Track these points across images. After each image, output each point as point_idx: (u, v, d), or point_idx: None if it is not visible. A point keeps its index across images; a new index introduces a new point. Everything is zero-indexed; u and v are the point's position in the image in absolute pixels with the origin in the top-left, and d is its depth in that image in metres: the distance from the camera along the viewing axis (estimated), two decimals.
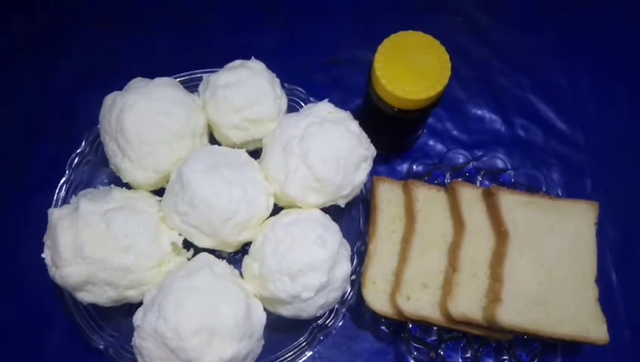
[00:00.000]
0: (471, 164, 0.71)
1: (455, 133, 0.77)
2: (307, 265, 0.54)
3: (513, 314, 0.57)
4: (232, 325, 0.51)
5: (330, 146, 0.58)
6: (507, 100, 0.80)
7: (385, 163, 0.75)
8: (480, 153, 0.72)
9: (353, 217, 0.67)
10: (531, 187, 0.69)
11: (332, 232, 0.58)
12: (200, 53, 0.80)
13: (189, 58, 0.77)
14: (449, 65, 0.60)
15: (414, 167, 0.71)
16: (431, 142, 0.76)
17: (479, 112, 0.79)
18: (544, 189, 0.69)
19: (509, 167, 0.71)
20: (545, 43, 0.84)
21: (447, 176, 0.70)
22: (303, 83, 0.71)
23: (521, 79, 0.81)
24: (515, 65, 0.82)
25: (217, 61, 0.67)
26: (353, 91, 0.77)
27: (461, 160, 0.71)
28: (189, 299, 0.51)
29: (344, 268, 0.58)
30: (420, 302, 0.60)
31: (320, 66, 0.80)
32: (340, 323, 0.62)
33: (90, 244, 0.53)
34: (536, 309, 0.58)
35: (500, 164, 0.72)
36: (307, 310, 0.56)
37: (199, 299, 0.51)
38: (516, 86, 0.81)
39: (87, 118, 0.70)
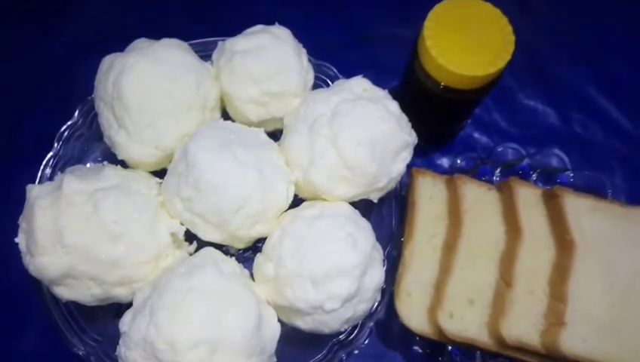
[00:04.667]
0: (525, 160, 0.61)
1: (503, 125, 0.68)
2: (334, 269, 0.45)
3: (578, 342, 0.48)
4: (239, 338, 0.42)
5: (366, 127, 0.49)
6: (563, 92, 0.71)
7: (423, 155, 0.66)
8: (532, 150, 0.62)
9: (384, 216, 0.58)
10: (593, 191, 0.59)
11: (364, 231, 0.48)
12: (216, 22, 0.71)
13: (203, 26, 0.68)
14: (512, 38, 0.51)
15: (458, 161, 0.61)
16: (476, 135, 0.67)
17: (531, 103, 0.70)
18: (609, 195, 0.59)
19: (568, 166, 0.61)
20: (606, 30, 0.74)
21: (497, 173, 0.61)
22: (332, 60, 0.63)
23: (579, 69, 0.72)
24: (572, 54, 0.73)
25: (235, 31, 0.58)
26: (389, 72, 0.67)
27: (512, 156, 0.62)
28: (189, 303, 0.42)
29: (377, 275, 0.48)
30: (465, 321, 0.50)
31: (351, 42, 0.71)
32: (366, 341, 0.53)
33: (72, 230, 0.45)
34: (606, 337, 0.49)
35: (555, 162, 0.62)
36: (330, 324, 0.47)
37: (201, 304, 0.42)
38: (574, 77, 0.72)
39: (83, 87, 0.61)
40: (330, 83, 0.62)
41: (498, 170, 0.61)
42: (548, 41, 0.73)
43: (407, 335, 0.54)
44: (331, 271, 0.45)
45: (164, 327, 0.41)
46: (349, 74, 0.60)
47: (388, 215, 0.58)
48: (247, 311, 0.43)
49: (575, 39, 0.73)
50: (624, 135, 0.69)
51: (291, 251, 0.46)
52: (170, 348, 0.40)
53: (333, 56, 0.64)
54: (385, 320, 0.55)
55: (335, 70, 0.63)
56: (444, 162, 0.66)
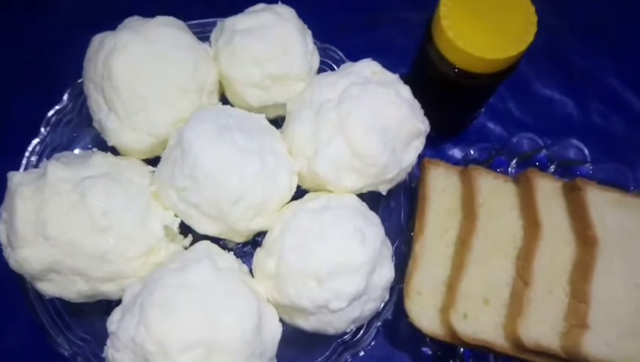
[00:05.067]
0: (542, 152, 0.57)
1: (518, 114, 0.65)
2: (340, 266, 0.41)
3: (601, 346, 0.45)
4: (237, 340, 0.38)
5: (376, 113, 0.45)
6: (582, 81, 0.68)
7: (433, 145, 0.62)
8: (549, 141, 0.58)
9: (392, 209, 0.54)
10: (614, 185, 0.55)
11: (373, 225, 0.45)
12: (214, 1, 0.67)
13: (201, 5, 0.64)
14: (535, 19, 0.48)
15: (471, 152, 0.57)
16: (489, 124, 0.64)
17: (548, 93, 0.67)
18: (632, 189, 0.55)
19: (588, 158, 0.58)
20: (630, 18, 0.70)
21: (513, 164, 0.57)
22: (338, 44, 0.60)
23: (600, 58, 0.69)
24: (593, 42, 0.69)
25: (235, 10, 0.54)
26: (397, 57, 0.63)
27: (528, 146, 0.58)
28: (181, 301, 0.38)
29: (386, 272, 0.45)
30: (480, 322, 0.47)
31: (358, 25, 0.68)
32: (372, 342, 0.49)
33: (56, 220, 0.41)
34: (632, 341, 0.45)
35: (572, 154, 0.59)
36: (335, 324, 0.43)
37: (195, 302, 0.39)
38: (594, 65, 0.68)
39: (73, 69, 0.57)
40: (336, 68, 0.58)
41: (514, 161, 0.57)
42: (567, 26, 0.69)
43: (416, 336, 0.51)
44: (337, 268, 0.41)
45: (154, 327, 0.37)
46: (355, 58, 0.57)
47: (396, 208, 0.54)
48: (245, 310, 0.40)
49: (597, 25, 0.70)
50: None
51: (294, 246, 0.43)
52: (160, 350, 0.37)
53: (339, 39, 0.61)
54: (392, 320, 0.51)
55: (341, 54, 0.59)
56: (456, 153, 0.62)
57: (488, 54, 0.46)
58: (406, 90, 0.49)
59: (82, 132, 0.56)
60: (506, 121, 0.64)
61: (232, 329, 0.38)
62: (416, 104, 0.49)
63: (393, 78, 0.50)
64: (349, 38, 0.65)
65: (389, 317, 0.50)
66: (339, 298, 0.41)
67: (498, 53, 0.46)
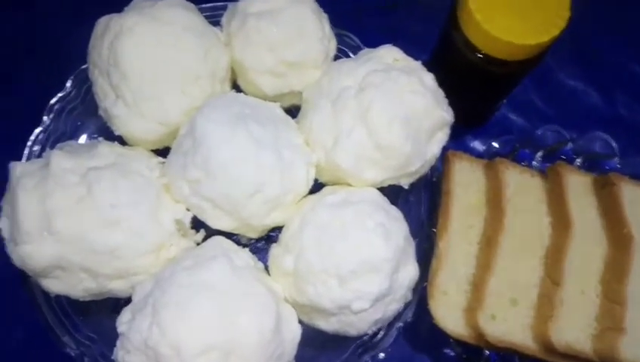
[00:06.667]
0: (568, 145, 0.55)
1: (541, 105, 0.62)
2: (364, 264, 0.39)
3: (639, 350, 0.42)
4: (255, 342, 0.36)
5: (400, 102, 0.43)
6: (607, 72, 0.65)
7: (453, 137, 0.57)
8: (574, 133, 0.56)
9: (412, 204, 0.52)
10: None
11: (396, 221, 0.43)
12: None
13: None
14: (567, 3, 0.44)
15: (494, 144, 0.55)
16: (512, 116, 0.61)
17: (571, 83, 0.64)
18: None
19: (616, 152, 0.55)
20: None
21: (537, 157, 0.54)
22: (353, 30, 0.57)
23: (626, 48, 0.66)
24: (619, 31, 0.66)
25: None
26: (416, 43, 0.60)
27: (553, 139, 0.55)
28: (197, 302, 0.36)
29: (410, 271, 0.42)
30: (508, 323, 0.44)
31: (374, 10, 0.65)
32: (391, 342, 0.46)
33: (62, 214, 0.39)
34: None
35: (598, 147, 0.56)
36: (357, 325, 0.41)
37: (211, 302, 0.36)
38: (620, 55, 0.66)
39: (77, 55, 0.54)
40: (351, 55, 0.55)
41: (538, 154, 0.55)
42: (592, 14, 0.66)
43: (438, 337, 0.48)
44: (361, 267, 0.39)
45: (168, 329, 0.35)
46: (370, 45, 0.54)
47: (416, 203, 0.51)
48: (264, 311, 0.37)
49: (622, 13, 0.67)
50: None
51: (313, 243, 0.40)
52: (175, 353, 0.34)
53: (353, 24, 0.58)
54: (413, 320, 0.49)
55: (357, 40, 0.56)
56: (477, 145, 0.60)
57: (518, 39, 0.43)
58: (430, 78, 0.46)
59: (87, 121, 0.53)
60: (528, 113, 0.61)
61: (250, 330, 0.36)
62: (440, 93, 0.47)
63: (416, 66, 0.47)
64: (364, 22, 0.63)
65: (410, 318, 0.48)
66: (362, 298, 0.39)
67: (529, 38, 0.43)
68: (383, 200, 0.45)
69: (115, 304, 0.46)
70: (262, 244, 0.51)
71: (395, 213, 0.44)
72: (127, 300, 0.43)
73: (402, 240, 0.41)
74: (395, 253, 0.40)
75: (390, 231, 0.41)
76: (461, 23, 0.46)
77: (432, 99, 0.45)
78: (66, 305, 0.47)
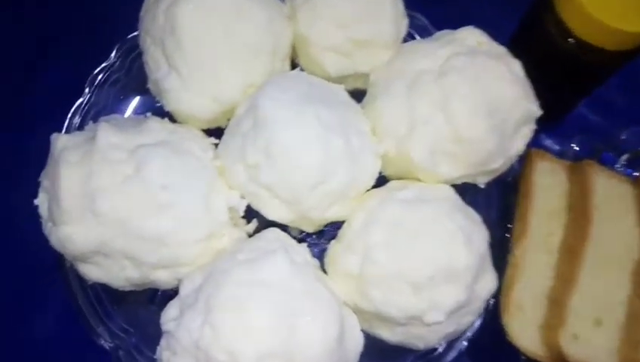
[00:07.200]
0: None
1: (623, 105, 0.57)
2: (443, 272, 0.35)
3: None
4: (319, 352, 0.32)
5: (485, 90, 0.38)
6: None
7: None
8: None
9: (481, 206, 0.46)
10: None
11: (476, 224, 0.38)
12: None
13: None
14: None
15: (573, 145, 0.49)
16: (590, 115, 0.55)
17: None
18: None
19: None
20: None
21: (622, 161, 0.49)
22: (420, 9, 0.52)
23: None
24: None
25: None
26: (490, 28, 0.55)
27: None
28: (256, 303, 0.32)
29: (489, 281, 0.38)
30: (592, 345, 0.39)
31: None
32: (454, 356, 0.42)
33: (107, 194, 0.35)
34: None
35: None
36: (427, 338, 0.37)
37: (271, 304, 0.32)
38: None
39: (124, 22, 0.50)
40: (418, 37, 0.51)
41: (623, 157, 0.49)
42: None
43: (504, 353, 0.44)
44: (438, 274, 0.34)
45: (225, 331, 0.31)
46: (439, 28, 0.49)
47: (485, 206, 0.46)
48: (328, 316, 0.33)
49: None
50: None
51: (383, 243, 0.36)
52: (231, 359, 0.30)
53: (420, 6, 0.53)
54: (478, 335, 0.44)
55: (426, 21, 0.51)
56: (550, 144, 0.54)
57: (623, 25, 0.38)
58: (518, 66, 0.41)
59: (132, 95, 0.50)
60: (608, 112, 0.56)
61: (314, 337, 0.32)
62: (528, 83, 0.42)
63: (502, 51, 0.42)
64: (432, 4, 0.57)
65: (476, 332, 0.43)
66: (437, 309, 0.35)
67: (636, 25, 0.38)
68: (460, 200, 0.40)
69: (153, 294, 0.43)
70: (312, 239, 0.47)
71: (474, 215, 0.39)
72: (165, 291, 0.39)
73: (484, 247, 0.37)
74: (476, 260, 0.35)
75: (471, 235, 0.36)
76: (557, 6, 0.41)
77: (520, 88, 0.40)
78: (101, 292, 0.43)
